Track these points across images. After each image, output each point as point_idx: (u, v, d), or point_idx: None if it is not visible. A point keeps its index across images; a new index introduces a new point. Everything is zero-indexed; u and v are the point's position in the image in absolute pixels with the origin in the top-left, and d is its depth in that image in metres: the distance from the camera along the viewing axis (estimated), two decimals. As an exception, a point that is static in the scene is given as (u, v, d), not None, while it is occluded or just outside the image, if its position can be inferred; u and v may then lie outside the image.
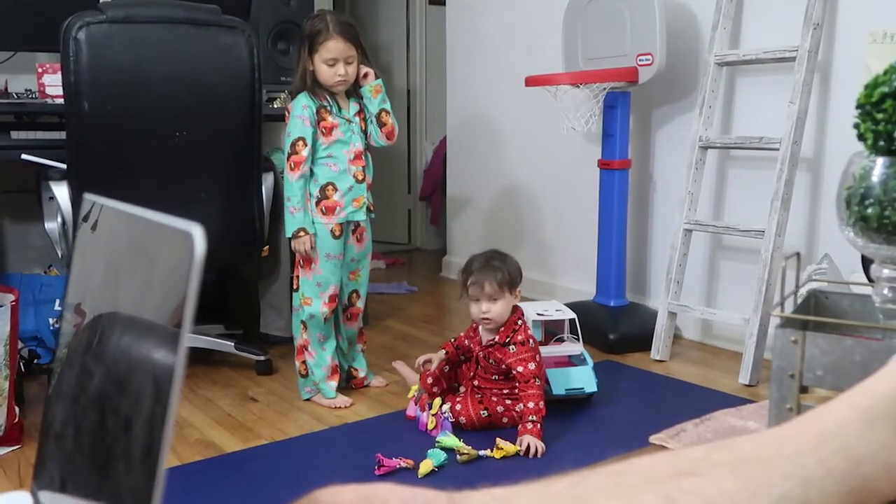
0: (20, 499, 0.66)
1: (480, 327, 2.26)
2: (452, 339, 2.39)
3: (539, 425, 2.09)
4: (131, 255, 0.55)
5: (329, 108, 2.41)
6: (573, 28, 3.20)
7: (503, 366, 2.19)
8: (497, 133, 4.09)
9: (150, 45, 2.31)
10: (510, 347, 2.20)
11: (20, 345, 2.49)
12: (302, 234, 2.39)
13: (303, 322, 2.48)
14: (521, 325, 2.22)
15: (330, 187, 2.42)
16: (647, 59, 2.90)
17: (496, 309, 2.19)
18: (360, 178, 2.48)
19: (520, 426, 2.11)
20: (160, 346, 0.45)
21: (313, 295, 2.45)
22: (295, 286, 2.51)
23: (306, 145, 2.37)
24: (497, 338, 2.21)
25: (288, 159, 2.39)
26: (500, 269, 2.20)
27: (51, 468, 0.62)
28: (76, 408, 0.59)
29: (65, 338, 0.67)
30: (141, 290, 0.51)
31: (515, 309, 2.24)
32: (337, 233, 2.45)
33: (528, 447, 2.04)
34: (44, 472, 0.64)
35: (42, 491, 0.63)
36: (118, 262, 0.58)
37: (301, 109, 2.37)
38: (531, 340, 2.21)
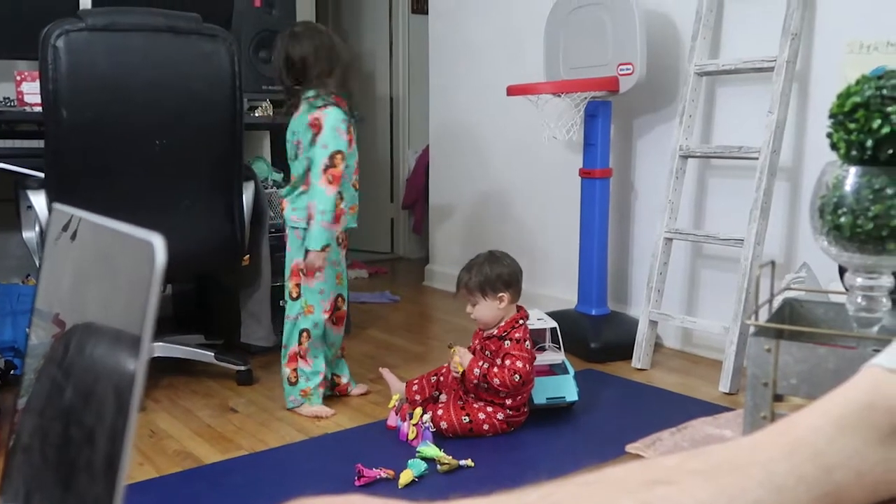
0: (-14, 511, 0.65)
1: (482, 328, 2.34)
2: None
3: (474, 383, 2.21)
4: (97, 264, 0.55)
5: (350, 118, 2.44)
6: (555, 38, 3.21)
7: (498, 359, 2.21)
8: (479, 142, 4.09)
9: (130, 53, 2.30)
10: (505, 342, 2.24)
11: (-3, 355, 2.46)
12: (328, 248, 2.39)
13: (305, 330, 2.46)
14: (521, 325, 2.27)
15: (339, 196, 2.42)
16: (627, 69, 2.91)
17: (477, 311, 2.27)
18: (357, 186, 2.52)
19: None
20: (123, 355, 0.44)
21: (315, 303, 2.46)
22: (294, 295, 2.48)
23: (344, 159, 2.37)
24: (496, 331, 2.27)
25: (325, 171, 2.34)
26: (475, 274, 2.26)
27: (17, 481, 0.62)
28: (43, 419, 0.58)
29: (37, 348, 0.66)
30: (106, 298, 0.51)
31: (520, 309, 2.30)
32: (340, 240, 2.49)
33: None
34: (10, 484, 0.63)
35: (8, 503, 0.62)
36: (86, 271, 0.58)
37: (341, 122, 2.37)
38: (528, 342, 2.24)
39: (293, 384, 2.47)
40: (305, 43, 2.40)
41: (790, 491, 0.64)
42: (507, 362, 2.19)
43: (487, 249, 2.39)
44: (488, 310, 2.26)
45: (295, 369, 2.47)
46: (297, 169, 2.45)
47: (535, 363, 2.35)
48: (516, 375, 2.17)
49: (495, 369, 2.19)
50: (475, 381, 2.21)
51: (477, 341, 2.34)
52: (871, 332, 1.09)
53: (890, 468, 0.68)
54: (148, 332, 0.41)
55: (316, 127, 2.37)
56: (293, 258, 2.48)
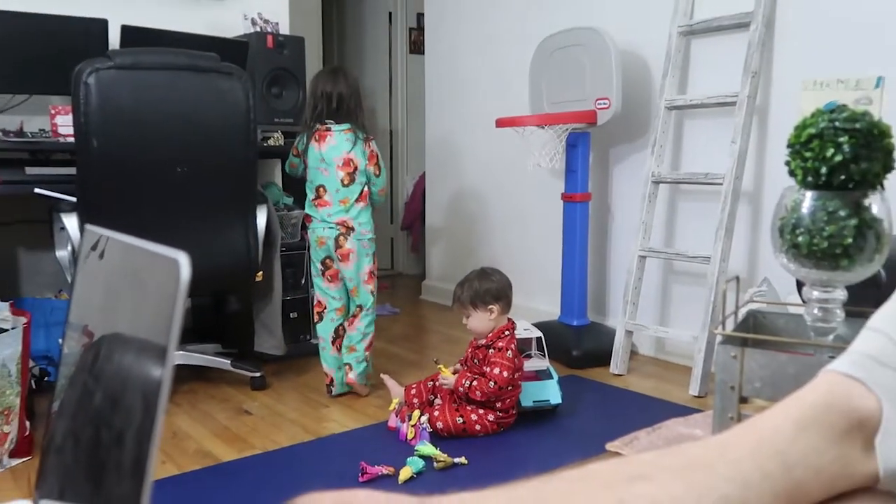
0: (22, 507, 0.65)
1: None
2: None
3: (457, 399, 2.24)
4: (127, 279, 0.54)
5: None
6: (539, 75, 3.23)
7: (484, 367, 2.21)
8: (471, 169, 4.10)
9: (154, 89, 2.30)
10: (490, 350, 2.24)
11: (31, 363, 2.45)
12: None
13: (373, 321, 2.69)
14: (507, 336, 2.27)
15: None
16: (604, 103, 2.93)
17: (471, 322, 2.29)
18: None
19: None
20: (150, 363, 0.44)
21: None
22: (373, 291, 2.67)
23: None
24: (484, 341, 2.27)
25: (381, 191, 2.68)
26: (467, 289, 2.29)
27: (51, 478, 0.61)
28: (75, 422, 0.58)
29: (69, 357, 0.66)
30: (135, 311, 0.50)
31: (506, 323, 2.30)
32: None
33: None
34: (45, 482, 0.63)
35: (43, 500, 0.62)
36: (116, 287, 0.57)
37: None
38: (510, 352, 2.22)
39: (368, 362, 2.65)
40: (342, 83, 2.57)
41: (755, 486, 0.64)
42: (487, 369, 2.20)
43: (480, 266, 2.40)
44: (480, 321, 2.26)
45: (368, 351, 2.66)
46: (352, 189, 2.56)
47: (522, 370, 2.35)
48: (492, 382, 2.18)
49: (475, 383, 2.19)
50: (463, 394, 2.22)
51: (470, 350, 2.33)
52: (827, 340, 1.10)
53: (846, 464, 0.67)
54: (174, 342, 0.41)
55: (374, 156, 2.61)
56: (364, 265, 2.62)
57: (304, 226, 3.06)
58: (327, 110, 2.56)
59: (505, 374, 2.18)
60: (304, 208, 3.03)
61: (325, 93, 2.56)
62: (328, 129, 2.56)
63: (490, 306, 2.25)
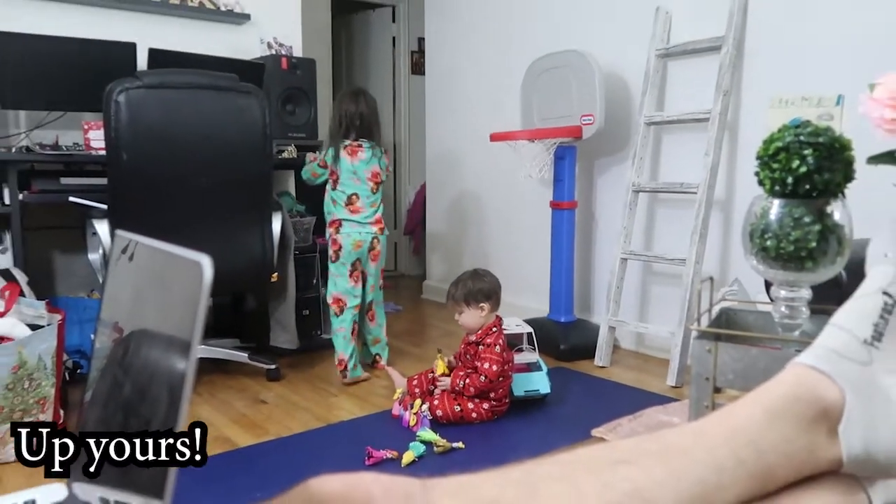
0: (57, 489, 0.64)
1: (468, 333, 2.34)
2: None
3: (452, 394, 2.21)
4: (154, 280, 0.54)
5: None
6: (529, 93, 3.23)
7: (476, 362, 2.21)
8: (467, 179, 4.10)
9: (179, 107, 2.30)
10: (480, 346, 2.23)
11: (65, 357, 2.44)
12: None
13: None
14: (494, 332, 2.25)
15: None
16: (589, 119, 2.93)
17: (463, 318, 2.28)
18: None
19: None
20: (175, 356, 0.44)
21: None
22: (381, 285, 2.85)
23: None
24: (474, 337, 2.26)
25: None
26: (460, 288, 2.29)
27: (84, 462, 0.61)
28: (106, 411, 0.57)
29: (100, 351, 0.66)
30: (161, 309, 0.50)
31: (494, 320, 2.28)
32: None
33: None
34: (78, 465, 0.62)
35: (75, 483, 0.61)
36: (144, 287, 0.57)
37: None
38: (499, 347, 2.22)
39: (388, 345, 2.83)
40: (363, 104, 2.71)
41: (730, 471, 0.63)
42: (478, 364, 2.20)
43: (473, 268, 2.40)
44: (471, 318, 2.26)
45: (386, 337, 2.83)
46: (377, 195, 2.75)
47: (514, 362, 2.35)
48: (483, 377, 2.18)
49: (468, 381, 2.19)
50: (459, 392, 2.22)
51: (462, 346, 2.33)
52: (794, 335, 1.09)
53: (813, 450, 0.67)
54: (197, 338, 0.41)
55: (387, 167, 2.79)
56: (381, 263, 2.81)
57: (314, 231, 3.06)
58: (353, 128, 2.68)
59: (494, 367, 2.18)
60: (314, 215, 3.03)
61: (349, 112, 2.68)
62: (360, 145, 2.69)
63: (481, 304, 2.25)
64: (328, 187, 2.72)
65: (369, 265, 2.75)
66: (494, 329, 2.26)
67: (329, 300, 2.72)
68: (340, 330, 2.68)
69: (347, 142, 2.68)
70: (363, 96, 2.73)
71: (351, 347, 2.66)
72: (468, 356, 2.27)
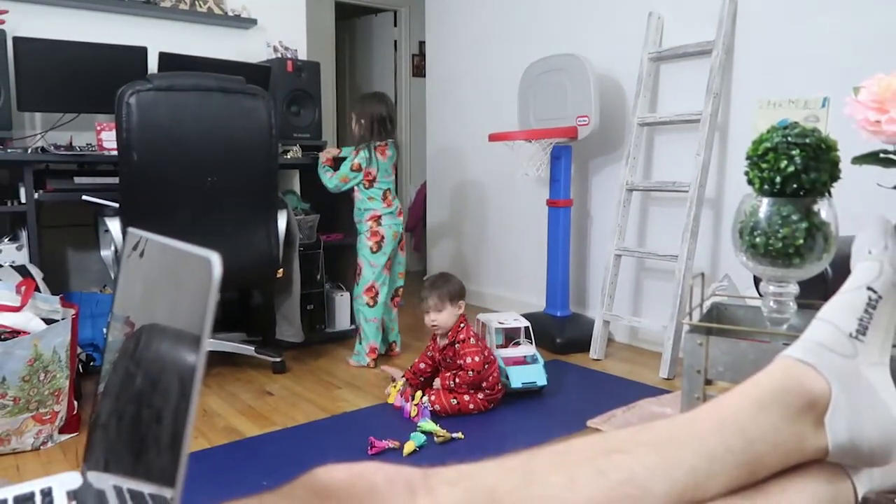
0: (71, 478, 0.64)
1: (437, 336, 2.31)
2: (410, 367, 2.41)
3: (443, 395, 2.20)
4: (164, 276, 0.54)
5: None
6: (526, 95, 3.23)
7: (458, 361, 2.21)
8: (466, 178, 4.10)
9: (188, 109, 2.29)
10: (456, 345, 2.24)
11: (79, 350, 2.44)
12: None
13: None
14: (462, 328, 2.27)
15: None
16: (584, 120, 2.93)
17: (441, 318, 2.28)
18: None
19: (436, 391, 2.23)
20: (185, 350, 0.44)
21: None
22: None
23: None
24: (447, 339, 2.28)
25: None
26: (441, 287, 2.29)
27: (97, 452, 0.61)
28: (118, 402, 0.57)
29: (113, 344, 0.66)
30: (171, 304, 0.50)
31: (460, 317, 2.29)
32: None
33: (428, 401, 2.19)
34: (91, 455, 0.63)
35: (90, 471, 0.61)
36: (154, 282, 0.57)
37: None
38: (472, 339, 2.24)
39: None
40: (384, 106, 2.78)
41: (720, 459, 0.64)
42: (461, 362, 2.20)
43: (463, 268, 2.41)
44: (450, 315, 2.28)
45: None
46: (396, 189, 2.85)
47: (512, 355, 2.35)
48: (470, 372, 2.18)
49: (457, 380, 2.19)
50: (451, 388, 2.22)
51: (438, 354, 2.30)
52: (782, 329, 1.09)
53: (800, 439, 0.67)
54: (207, 332, 0.41)
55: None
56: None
57: (318, 228, 3.06)
58: (383, 129, 2.77)
59: (477, 358, 2.19)
60: (318, 213, 3.03)
61: (379, 115, 2.76)
62: (386, 144, 2.77)
63: (459, 302, 2.28)
64: (360, 187, 2.77)
65: (398, 254, 2.85)
66: (462, 325, 2.27)
67: (361, 291, 2.77)
68: (374, 321, 2.76)
69: (378, 142, 2.76)
70: (385, 99, 2.82)
71: (381, 336, 2.79)
72: (448, 359, 2.27)
